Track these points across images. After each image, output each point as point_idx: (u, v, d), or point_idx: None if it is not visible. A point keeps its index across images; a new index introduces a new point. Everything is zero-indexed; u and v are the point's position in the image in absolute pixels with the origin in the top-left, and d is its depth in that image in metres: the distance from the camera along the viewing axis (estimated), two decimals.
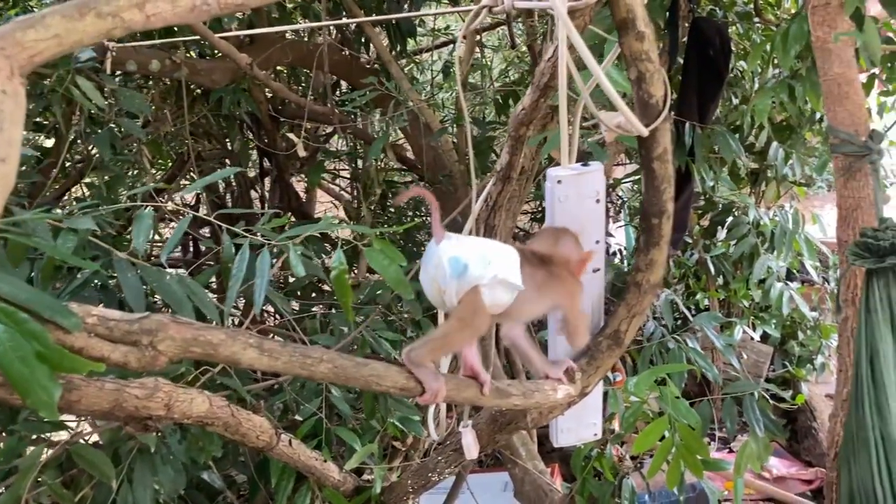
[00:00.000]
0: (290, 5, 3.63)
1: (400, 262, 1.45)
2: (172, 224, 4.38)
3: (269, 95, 3.70)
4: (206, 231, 3.96)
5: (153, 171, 3.65)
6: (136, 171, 3.40)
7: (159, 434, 1.93)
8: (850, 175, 2.35)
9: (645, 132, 1.36)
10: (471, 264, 1.21)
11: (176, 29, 2.91)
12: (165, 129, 3.22)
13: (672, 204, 1.51)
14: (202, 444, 2.10)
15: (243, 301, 3.51)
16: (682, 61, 3.03)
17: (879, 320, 2.05)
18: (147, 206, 1.71)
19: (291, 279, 3.60)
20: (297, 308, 3.33)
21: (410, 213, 4.03)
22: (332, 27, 3.89)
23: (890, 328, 2.03)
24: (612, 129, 1.45)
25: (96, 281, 2.01)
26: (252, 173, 4.46)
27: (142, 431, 1.51)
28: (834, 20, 2.36)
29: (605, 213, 1.53)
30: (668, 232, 1.53)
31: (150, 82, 3.31)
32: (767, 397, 3.06)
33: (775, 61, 3.20)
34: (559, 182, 1.44)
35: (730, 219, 3.82)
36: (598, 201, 1.48)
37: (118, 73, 3.01)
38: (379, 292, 2.68)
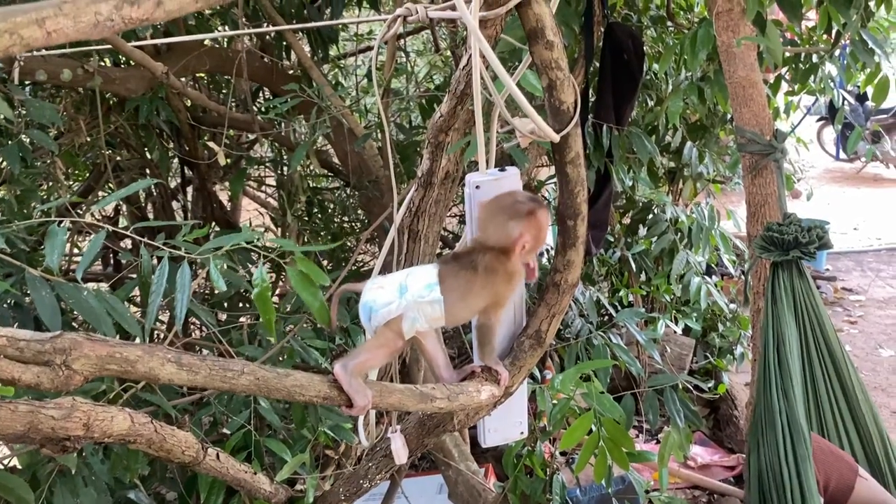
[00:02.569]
0: (207, 12, 3.57)
1: (323, 282, 1.45)
2: (92, 237, 4.25)
3: (189, 103, 3.63)
4: (127, 243, 3.85)
5: (69, 183, 3.53)
6: (50, 184, 3.29)
7: (80, 455, 1.87)
8: (756, 173, 2.46)
9: (556, 138, 1.41)
10: (377, 305, 1.35)
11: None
12: (80, 139, 3.12)
13: (586, 206, 1.56)
14: (126, 462, 2.06)
15: (167, 314, 3.44)
16: (598, 65, 3.11)
17: (784, 309, 2.16)
18: (60, 221, 1.66)
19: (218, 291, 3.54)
20: (224, 318, 3.27)
21: (338, 220, 4.02)
22: (255, 34, 3.85)
23: (793, 316, 2.15)
24: (527, 135, 1.49)
25: (9, 300, 1.94)
26: (174, 183, 4.37)
27: (60, 453, 1.47)
28: (737, 25, 2.47)
29: None
30: (583, 233, 1.58)
31: (63, 92, 3.20)
32: (691, 388, 3.18)
33: (686, 64, 3.32)
34: (478, 187, 1.48)
35: (650, 216, 3.94)
36: None
37: (27, 82, 2.91)
38: None
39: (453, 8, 1.37)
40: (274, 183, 4.66)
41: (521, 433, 1.74)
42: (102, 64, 3.16)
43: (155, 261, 1.81)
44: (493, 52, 1.29)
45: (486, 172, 1.52)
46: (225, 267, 2.19)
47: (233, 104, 3.70)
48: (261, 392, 1.18)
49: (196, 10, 0.91)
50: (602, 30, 3.01)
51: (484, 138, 1.58)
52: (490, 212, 1.42)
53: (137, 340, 2.42)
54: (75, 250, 3.96)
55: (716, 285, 4.63)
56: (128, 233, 1.76)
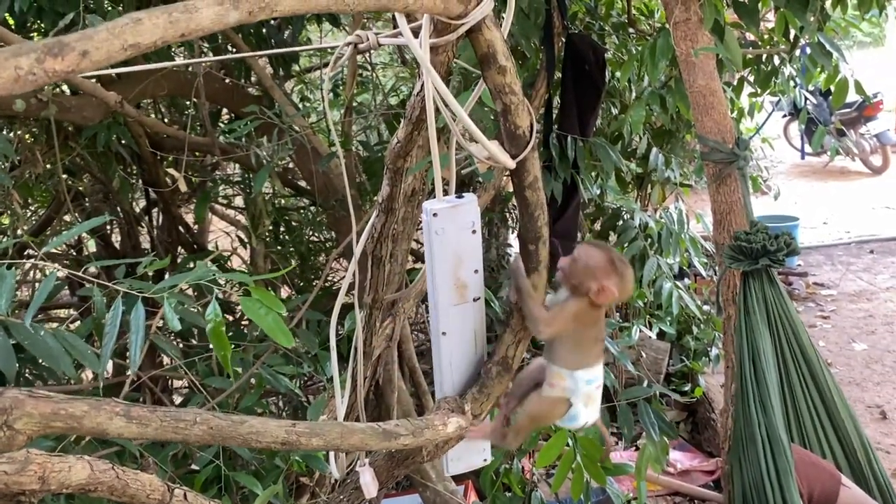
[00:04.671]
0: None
1: (279, 311, 1.41)
2: (55, 270, 4.16)
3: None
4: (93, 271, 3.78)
5: (28, 213, 3.45)
6: (7, 217, 3.21)
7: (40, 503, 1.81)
8: (721, 181, 2.46)
9: (512, 165, 1.39)
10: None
11: None
12: (37, 170, 3.05)
13: (547, 229, 1.55)
14: None
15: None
16: (560, 77, 3.10)
17: (758, 320, 2.16)
18: (7, 263, 1.61)
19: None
20: (195, 343, 3.21)
21: (306, 239, 3.97)
22: (213, 62, 3.79)
23: (767, 327, 2.14)
24: (484, 161, 1.47)
25: None
26: (139, 207, 4.30)
27: None
28: (695, 34, 2.47)
29: (482, 243, 1.54)
30: (545, 256, 1.56)
31: (17, 122, 3.13)
32: (668, 392, 3.17)
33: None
34: (435, 215, 1.45)
35: (619, 223, 3.94)
36: (473, 232, 1.49)
37: None
38: None
39: (402, 35, 1.35)
40: (242, 202, 4.60)
41: (485, 460, 1.71)
42: (58, 92, 3.10)
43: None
44: (442, 83, 1.26)
45: (444, 199, 1.49)
46: (188, 297, 2.14)
47: (197, 126, 3.64)
48: (216, 441, 1.14)
49: (125, 58, 0.88)
50: (563, 41, 3.00)
51: (443, 158, 1.56)
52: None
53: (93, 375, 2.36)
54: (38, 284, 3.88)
55: (688, 287, 4.64)
56: (80, 274, 1.70)
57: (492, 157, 1.40)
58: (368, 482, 1.67)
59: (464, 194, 1.55)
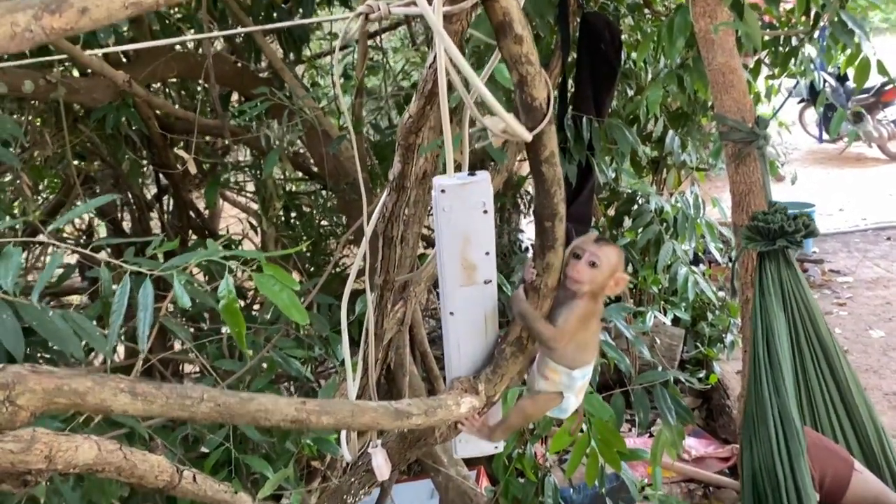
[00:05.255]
0: (175, 16, 3.48)
1: (293, 287, 1.38)
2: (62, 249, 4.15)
3: (160, 111, 3.54)
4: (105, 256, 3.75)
5: (38, 197, 3.43)
6: (18, 201, 3.20)
7: (49, 483, 1.80)
8: (740, 161, 2.41)
9: (528, 137, 1.34)
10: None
11: (52, 48, 2.74)
12: (46, 152, 3.03)
13: (564, 206, 1.50)
14: (102, 487, 1.98)
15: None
16: (575, 56, 3.05)
17: (773, 301, 2.11)
18: (12, 241, 1.58)
19: (199, 300, 3.46)
20: (206, 328, 3.19)
21: (317, 224, 3.94)
22: (220, 37, 3.76)
23: (782, 308, 2.09)
24: (499, 135, 1.42)
25: None
26: (150, 193, 4.28)
27: (21, 489, 1.40)
28: (714, 11, 2.41)
29: (494, 223, 1.50)
30: (562, 234, 1.52)
31: (26, 104, 3.11)
32: (683, 379, 3.13)
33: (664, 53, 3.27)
34: (443, 191, 1.41)
35: (634, 208, 3.89)
36: (485, 212, 1.45)
37: None
38: None
39: (416, 3, 1.30)
40: (253, 188, 4.58)
41: (496, 447, 1.67)
42: (66, 73, 3.07)
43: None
44: (457, 50, 1.22)
45: (454, 176, 1.45)
46: (198, 280, 2.12)
47: (207, 110, 3.61)
48: (223, 419, 1.11)
49: (126, 16, 0.84)
50: (577, 20, 2.94)
51: (455, 139, 1.52)
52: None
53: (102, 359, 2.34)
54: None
55: (703, 273, 4.58)
56: (88, 252, 1.67)
57: (508, 129, 1.35)
58: (381, 464, 1.64)
59: (476, 172, 1.50)
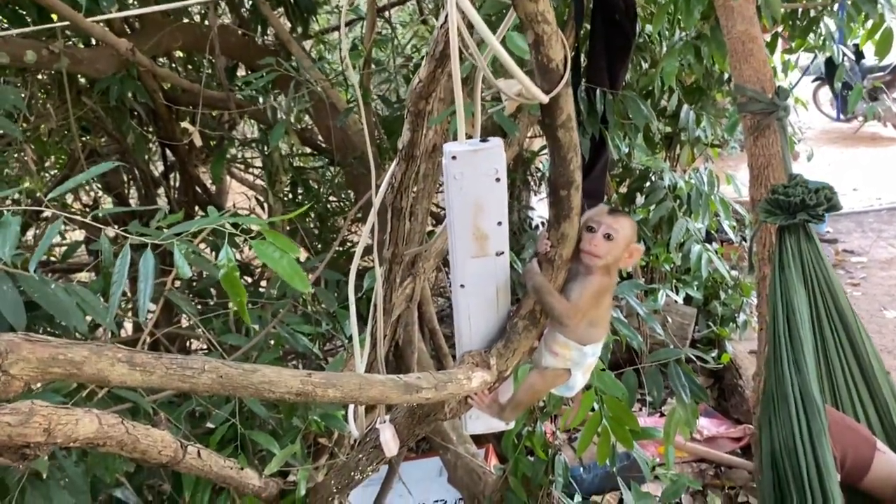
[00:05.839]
0: None
1: (294, 254, 1.33)
2: (73, 229, 4.13)
3: (167, 85, 3.49)
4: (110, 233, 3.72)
5: (42, 174, 3.39)
6: (22, 175, 3.15)
7: (51, 458, 1.76)
8: (759, 133, 2.33)
9: (544, 99, 1.28)
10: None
11: (54, 17, 2.69)
12: (49, 125, 2.98)
13: (580, 174, 1.44)
14: (106, 462, 1.95)
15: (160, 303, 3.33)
16: (589, 27, 2.97)
17: (793, 276, 2.04)
18: (11, 209, 1.54)
19: (206, 276, 3.43)
20: (212, 303, 3.15)
21: (324, 199, 3.88)
22: (226, 9, 3.69)
23: (802, 283, 2.03)
24: (513, 98, 1.36)
25: None
26: (157, 170, 4.23)
27: (20, 462, 1.36)
28: None
29: (508, 192, 1.44)
30: (578, 203, 1.46)
31: (29, 75, 3.05)
32: (694, 358, 3.08)
33: (681, 23, 3.18)
34: (454, 158, 1.35)
35: (647, 184, 3.82)
36: (497, 180, 1.39)
37: None
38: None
39: None
40: (261, 164, 4.53)
41: (508, 424, 1.63)
42: (69, 44, 3.02)
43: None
44: (471, 6, 1.15)
45: (466, 142, 1.39)
46: (200, 249, 2.07)
47: (213, 84, 3.55)
48: (225, 391, 1.06)
49: None
50: None
51: (467, 109, 1.46)
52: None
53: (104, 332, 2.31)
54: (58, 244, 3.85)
55: (716, 252, 4.52)
56: (91, 222, 1.63)
57: (523, 92, 1.29)
58: (389, 440, 1.60)
59: (489, 138, 1.44)
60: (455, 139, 1.44)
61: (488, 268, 1.49)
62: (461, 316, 1.52)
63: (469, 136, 1.51)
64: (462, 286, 1.50)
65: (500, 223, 1.46)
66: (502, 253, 1.48)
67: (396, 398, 1.24)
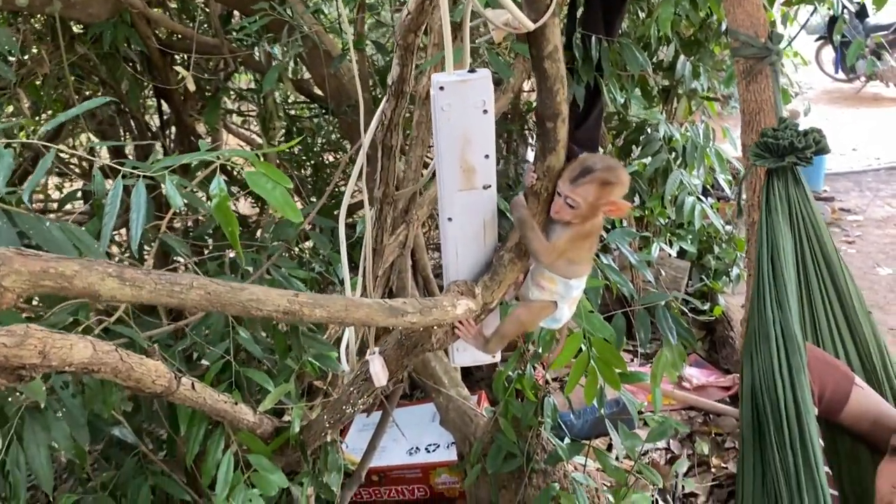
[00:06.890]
0: None
1: (286, 185, 1.35)
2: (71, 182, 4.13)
3: (160, 31, 3.46)
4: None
5: (37, 119, 3.39)
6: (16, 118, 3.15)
7: (50, 392, 1.81)
8: (751, 78, 2.34)
9: (531, 26, 1.29)
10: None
11: None
12: (42, 70, 2.97)
13: (566, 106, 1.45)
14: (103, 395, 1.99)
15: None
16: None
17: (779, 219, 2.07)
18: (3, 142, 1.55)
19: (201, 222, 3.45)
20: (210, 248, 3.18)
21: (318, 149, 3.89)
22: None
23: (789, 226, 2.06)
24: (500, 27, 1.37)
25: None
26: (155, 126, 4.22)
27: (16, 382, 1.39)
28: None
29: (495, 125, 1.45)
30: (564, 136, 1.47)
31: (21, 19, 3.04)
32: (684, 308, 3.12)
33: None
34: (441, 88, 1.36)
35: (643, 137, 3.82)
36: (485, 112, 1.40)
37: None
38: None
39: None
40: (256, 123, 4.51)
41: (493, 356, 1.66)
42: None
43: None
44: None
45: (454, 73, 1.40)
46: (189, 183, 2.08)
47: (209, 32, 3.53)
48: (213, 307, 1.09)
49: None
50: None
51: (457, 52, 1.46)
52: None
53: None
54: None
55: (711, 206, 4.53)
56: (87, 156, 1.64)
57: (510, 21, 1.30)
58: (378, 371, 1.64)
59: (476, 69, 1.45)
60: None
61: (475, 201, 1.51)
62: (448, 248, 1.54)
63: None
64: (449, 219, 1.52)
65: (487, 156, 1.47)
66: (489, 186, 1.50)
67: (382, 320, 1.27)
